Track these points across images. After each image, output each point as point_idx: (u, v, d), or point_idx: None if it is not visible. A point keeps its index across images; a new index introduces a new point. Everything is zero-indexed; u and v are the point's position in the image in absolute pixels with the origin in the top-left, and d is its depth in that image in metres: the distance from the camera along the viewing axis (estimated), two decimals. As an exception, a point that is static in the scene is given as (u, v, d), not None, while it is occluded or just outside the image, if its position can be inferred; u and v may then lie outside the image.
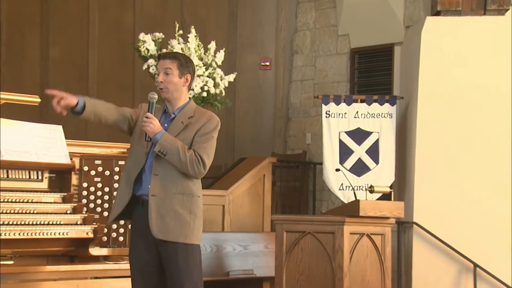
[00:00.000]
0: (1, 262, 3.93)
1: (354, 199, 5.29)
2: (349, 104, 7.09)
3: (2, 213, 4.01)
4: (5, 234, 3.85)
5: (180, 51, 6.54)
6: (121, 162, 4.68)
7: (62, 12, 8.94)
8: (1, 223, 3.91)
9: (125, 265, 4.25)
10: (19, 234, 3.91)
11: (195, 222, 3.65)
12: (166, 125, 3.76)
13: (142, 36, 6.63)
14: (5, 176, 4.20)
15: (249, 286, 6.17)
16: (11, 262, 3.98)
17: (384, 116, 7.05)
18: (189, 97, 3.86)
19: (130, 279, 3.71)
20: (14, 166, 4.21)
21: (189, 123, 3.72)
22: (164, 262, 3.65)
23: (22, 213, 4.08)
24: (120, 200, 3.72)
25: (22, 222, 3.98)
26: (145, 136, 3.68)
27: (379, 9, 7.92)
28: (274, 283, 5.08)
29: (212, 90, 6.59)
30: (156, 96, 3.76)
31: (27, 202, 4.16)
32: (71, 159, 4.42)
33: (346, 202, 6.61)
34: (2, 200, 4.06)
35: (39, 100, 4.77)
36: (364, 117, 7.07)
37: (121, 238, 4.61)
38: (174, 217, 3.61)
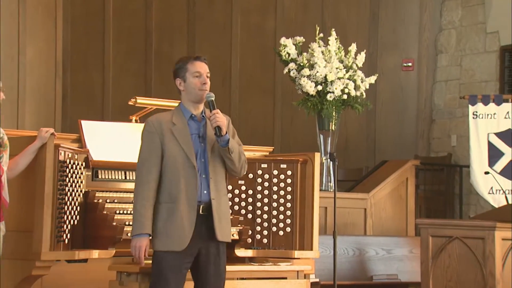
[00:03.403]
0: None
1: (505, 203, 5.11)
2: (499, 104, 6.90)
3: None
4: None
5: (321, 54, 6.55)
6: (264, 165, 4.74)
7: (206, 20, 9.24)
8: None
9: (270, 267, 4.31)
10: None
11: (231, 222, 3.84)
12: (201, 129, 3.64)
13: (283, 40, 6.70)
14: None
15: (393, 291, 6.08)
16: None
17: (539, 116, 6.75)
18: None
19: (275, 281, 3.73)
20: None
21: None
22: (205, 265, 3.58)
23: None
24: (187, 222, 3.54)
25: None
26: (216, 131, 3.55)
27: (533, 3, 7.54)
28: (420, 289, 4.98)
29: (353, 93, 6.54)
30: (214, 95, 3.63)
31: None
32: (217, 162, 4.52)
33: (496, 206, 6.41)
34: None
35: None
36: (516, 118, 6.82)
37: (265, 240, 4.67)
38: (227, 219, 3.70)
